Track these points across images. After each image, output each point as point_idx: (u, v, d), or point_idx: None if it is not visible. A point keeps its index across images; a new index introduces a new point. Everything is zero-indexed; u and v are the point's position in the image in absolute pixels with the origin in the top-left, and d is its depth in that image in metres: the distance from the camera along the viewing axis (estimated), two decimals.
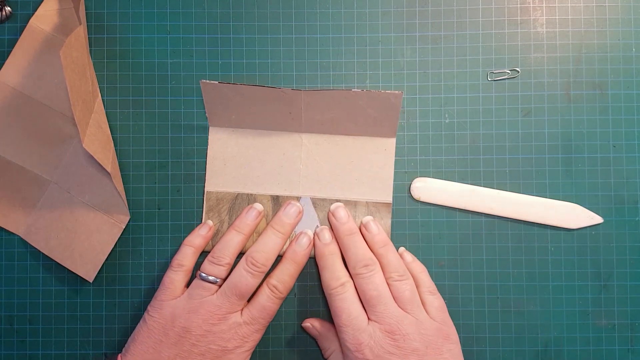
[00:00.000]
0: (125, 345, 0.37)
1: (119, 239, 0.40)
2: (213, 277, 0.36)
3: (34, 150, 0.40)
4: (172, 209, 0.40)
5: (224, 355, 0.35)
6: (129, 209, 0.40)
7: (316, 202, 0.40)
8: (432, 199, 0.40)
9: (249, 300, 0.37)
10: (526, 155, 0.40)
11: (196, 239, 0.38)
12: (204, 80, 0.37)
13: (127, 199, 0.40)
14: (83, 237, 0.39)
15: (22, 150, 0.40)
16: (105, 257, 0.39)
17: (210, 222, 0.40)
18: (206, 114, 0.39)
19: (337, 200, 0.40)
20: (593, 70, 0.41)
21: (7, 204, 0.40)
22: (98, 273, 0.39)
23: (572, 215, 0.40)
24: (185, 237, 0.39)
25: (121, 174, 0.40)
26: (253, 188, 0.40)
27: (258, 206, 0.39)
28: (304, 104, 0.38)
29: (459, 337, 0.40)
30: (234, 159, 0.40)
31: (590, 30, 0.41)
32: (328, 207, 0.39)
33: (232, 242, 0.38)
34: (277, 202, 0.40)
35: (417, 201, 0.40)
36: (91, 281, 0.39)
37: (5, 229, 0.40)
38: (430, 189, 0.40)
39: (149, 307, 0.37)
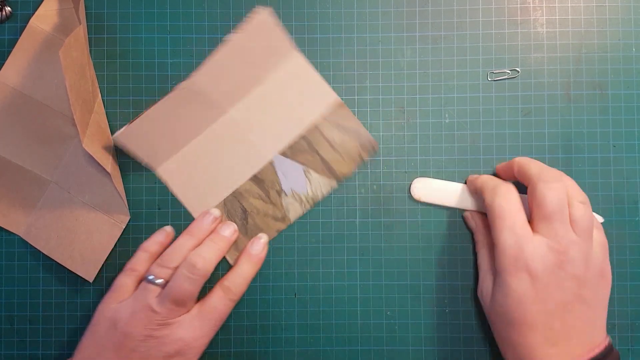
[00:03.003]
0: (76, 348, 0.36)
1: (119, 239, 0.40)
2: (160, 280, 0.35)
3: (34, 150, 0.40)
4: (172, 209, 0.40)
5: None
6: (129, 209, 0.40)
7: (287, 153, 0.40)
8: (432, 199, 0.40)
9: (198, 301, 0.37)
10: (526, 155, 0.40)
11: (152, 245, 0.38)
12: (117, 135, 0.37)
13: (127, 199, 0.40)
14: (83, 237, 0.39)
15: (22, 150, 0.40)
16: (105, 257, 0.39)
17: (168, 229, 0.39)
18: (143, 163, 0.39)
19: (304, 138, 0.39)
20: (593, 70, 0.41)
21: (7, 204, 0.40)
22: (98, 273, 0.39)
23: None
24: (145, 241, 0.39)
25: (121, 174, 0.40)
26: (231, 185, 0.40)
27: (215, 211, 0.39)
28: (205, 82, 0.38)
29: (460, 337, 0.40)
30: (197, 177, 0.40)
31: (590, 30, 0.41)
32: (301, 150, 0.40)
33: (183, 246, 0.37)
34: (259, 180, 0.40)
35: (417, 201, 0.40)
36: (91, 281, 0.39)
37: (5, 229, 0.40)
38: (431, 189, 0.40)
39: (95, 311, 0.36)
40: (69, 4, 0.40)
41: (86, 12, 0.41)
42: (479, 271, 0.37)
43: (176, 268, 0.36)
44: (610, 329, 0.40)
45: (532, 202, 0.34)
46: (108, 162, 0.37)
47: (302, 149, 0.40)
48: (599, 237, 0.35)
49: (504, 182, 0.36)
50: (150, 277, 0.35)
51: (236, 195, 0.40)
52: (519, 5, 0.41)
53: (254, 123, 0.40)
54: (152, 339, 0.34)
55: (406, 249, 0.40)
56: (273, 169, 0.40)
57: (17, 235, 0.40)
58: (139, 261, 0.37)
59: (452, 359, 0.40)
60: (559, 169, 0.40)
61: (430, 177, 0.40)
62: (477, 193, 0.37)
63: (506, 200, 0.34)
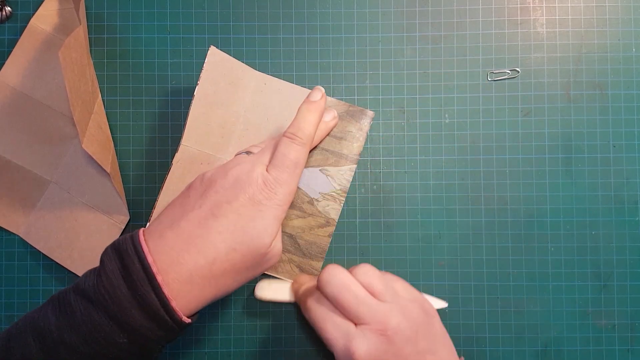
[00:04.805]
0: None
1: None
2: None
3: (34, 150, 0.40)
4: None
5: (254, 206, 0.31)
6: (129, 209, 0.40)
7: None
8: (273, 296, 0.38)
9: None
10: (526, 155, 0.40)
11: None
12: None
13: (127, 199, 0.40)
14: (83, 237, 0.39)
15: (22, 150, 0.40)
16: None
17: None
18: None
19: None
20: (593, 70, 0.41)
21: (7, 204, 0.40)
22: None
23: None
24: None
25: (121, 174, 0.40)
26: None
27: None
28: (193, 143, 0.38)
29: (460, 337, 0.40)
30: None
31: (590, 30, 0.41)
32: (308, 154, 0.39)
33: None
34: None
35: (260, 299, 0.38)
36: None
37: (5, 229, 0.40)
38: (270, 289, 0.38)
39: None
40: (70, 4, 0.40)
41: (86, 12, 0.41)
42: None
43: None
44: (611, 329, 0.40)
45: (333, 305, 0.33)
46: (107, 163, 0.37)
47: (309, 153, 0.40)
48: (398, 283, 0.35)
49: (310, 286, 0.35)
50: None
51: None
52: (519, 5, 0.41)
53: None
54: (236, 182, 0.32)
55: (406, 249, 0.40)
56: None
57: (17, 235, 0.40)
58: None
59: None
60: (559, 169, 0.40)
61: (271, 279, 0.39)
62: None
63: (318, 312, 0.33)
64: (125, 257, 0.29)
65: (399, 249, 0.40)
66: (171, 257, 0.30)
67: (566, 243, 0.40)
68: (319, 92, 0.36)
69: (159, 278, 0.29)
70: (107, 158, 0.37)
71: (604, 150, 0.40)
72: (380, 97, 0.41)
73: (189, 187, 0.34)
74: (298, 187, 0.40)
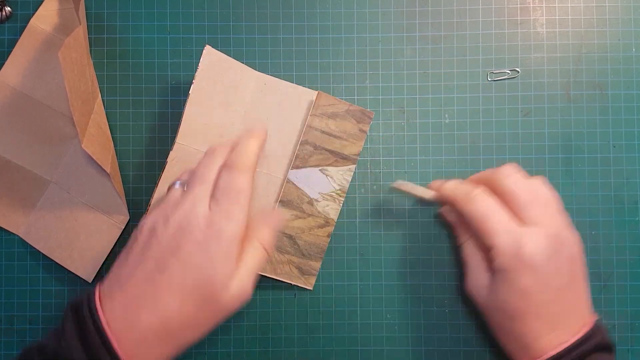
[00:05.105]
0: None
1: (118, 239, 0.40)
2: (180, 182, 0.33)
3: (34, 150, 0.40)
4: None
5: (200, 252, 0.30)
6: (129, 209, 0.40)
7: (298, 164, 0.39)
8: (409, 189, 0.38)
9: None
10: (526, 155, 0.40)
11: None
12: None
13: (127, 199, 0.40)
14: (82, 238, 0.39)
15: (22, 150, 0.40)
16: (105, 258, 0.39)
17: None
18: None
19: (306, 143, 0.39)
20: (593, 70, 0.41)
21: (7, 204, 0.40)
22: (98, 273, 0.39)
23: None
24: None
25: (121, 174, 0.40)
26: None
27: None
28: (189, 141, 0.38)
29: (460, 337, 0.40)
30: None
31: (590, 30, 0.41)
32: (308, 154, 0.39)
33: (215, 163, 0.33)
34: (287, 202, 0.40)
35: (394, 189, 0.39)
36: (90, 281, 0.39)
37: (5, 229, 0.40)
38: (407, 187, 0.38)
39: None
40: (69, 4, 0.40)
41: (86, 12, 0.41)
42: (464, 266, 0.37)
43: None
44: (610, 329, 0.40)
45: (507, 199, 0.34)
46: (107, 163, 0.37)
47: (309, 153, 0.40)
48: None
49: (472, 186, 0.35)
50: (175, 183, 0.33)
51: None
52: (519, 5, 0.41)
53: None
54: (171, 226, 0.31)
55: (406, 249, 0.40)
56: (294, 185, 0.40)
57: (17, 235, 0.40)
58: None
59: (452, 359, 0.40)
60: (559, 169, 0.40)
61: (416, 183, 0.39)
62: (446, 201, 0.37)
63: (484, 203, 0.33)
64: (82, 319, 0.29)
65: (399, 249, 0.40)
66: (124, 319, 0.29)
67: None
68: (259, 129, 0.34)
69: (114, 343, 0.28)
70: (107, 158, 0.37)
71: (604, 150, 0.40)
72: (380, 97, 0.41)
73: (133, 239, 0.32)
74: (298, 187, 0.40)
